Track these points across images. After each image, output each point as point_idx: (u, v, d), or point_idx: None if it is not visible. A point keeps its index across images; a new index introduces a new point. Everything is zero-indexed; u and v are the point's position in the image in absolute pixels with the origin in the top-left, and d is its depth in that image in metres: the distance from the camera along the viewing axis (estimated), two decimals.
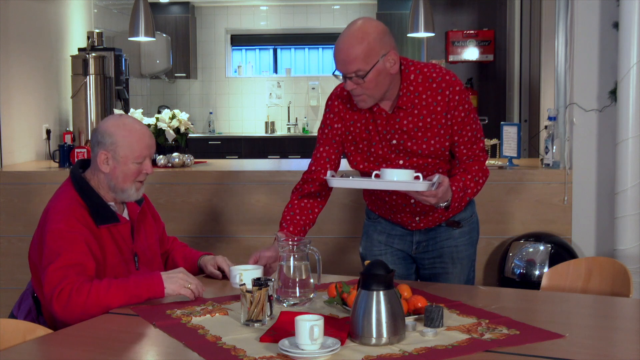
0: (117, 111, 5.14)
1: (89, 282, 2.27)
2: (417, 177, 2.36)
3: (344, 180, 2.47)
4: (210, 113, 9.24)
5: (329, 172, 2.46)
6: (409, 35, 5.79)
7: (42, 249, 2.38)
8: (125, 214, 2.55)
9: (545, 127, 4.46)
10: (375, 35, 2.41)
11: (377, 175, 2.41)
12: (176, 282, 2.31)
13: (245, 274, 2.40)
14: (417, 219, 2.70)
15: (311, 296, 2.32)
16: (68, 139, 5.00)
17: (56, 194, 2.49)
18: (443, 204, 2.46)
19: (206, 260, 2.65)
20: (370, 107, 2.55)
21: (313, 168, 2.73)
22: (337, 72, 2.48)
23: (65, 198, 2.43)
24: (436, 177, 2.38)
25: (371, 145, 2.60)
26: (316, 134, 2.79)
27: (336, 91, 2.68)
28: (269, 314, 2.14)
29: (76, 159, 4.66)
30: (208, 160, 5.18)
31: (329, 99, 2.69)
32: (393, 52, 2.45)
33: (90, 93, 5.52)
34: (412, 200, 2.62)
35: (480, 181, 2.60)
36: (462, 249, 2.76)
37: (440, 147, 2.56)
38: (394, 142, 2.56)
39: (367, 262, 2.05)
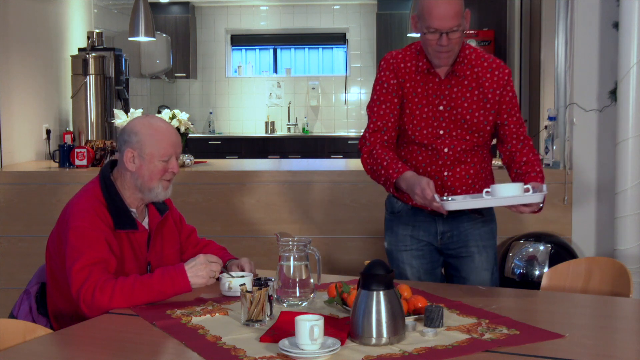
0: (117, 112, 5.13)
1: (112, 280, 2.28)
2: (526, 190, 2.42)
3: (460, 202, 2.51)
4: (210, 113, 9.24)
5: (437, 197, 2.42)
6: (409, 35, 5.80)
7: (62, 243, 2.39)
8: (145, 222, 2.56)
9: (545, 127, 4.46)
10: None
11: (487, 192, 2.45)
12: (203, 277, 2.33)
13: (234, 281, 2.39)
14: (445, 195, 2.69)
15: (311, 296, 2.32)
16: (68, 139, 5.00)
17: (82, 190, 2.50)
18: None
19: (232, 263, 2.62)
20: (427, 69, 2.66)
21: (379, 124, 2.70)
22: (427, 32, 2.56)
23: (90, 197, 2.44)
24: (544, 187, 2.46)
25: (416, 108, 2.67)
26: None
27: (391, 54, 2.75)
28: (269, 314, 2.14)
29: (76, 159, 4.67)
30: (208, 160, 5.18)
31: (383, 60, 2.75)
32: (467, 10, 2.61)
33: (90, 93, 5.53)
34: (445, 173, 2.69)
35: (541, 169, 2.67)
36: (485, 237, 2.82)
37: (484, 120, 2.67)
38: (441, 108, 2.66)
39: (366, 262, 2.04)
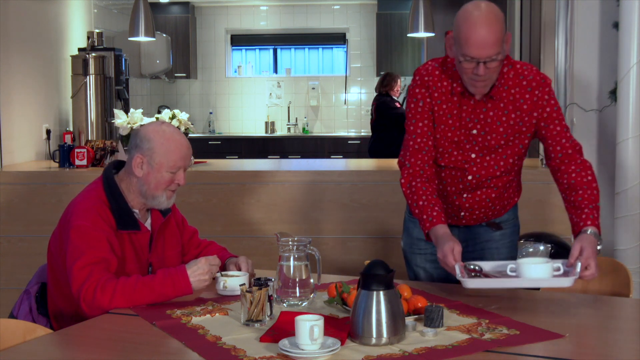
0: (117, 112, 5.13)
1: (113, 279, 2.28)
2: (557, 269, 2.28)
3: (481, 281, 2.33)
4: (210, 113, 9.25)
5: (458, 268, 2.28)
6: (409, 35, 5.79)
7: (63, 242, 2.39)
8: (147, 224, 2.55)
9: None
10: (502, 15, 2.37)
11: (512, 269, 2.29)
12: (205, 281, 2.35)
13: (229, 280, 2.39)
14: (462, 214, 2.65)
15: (311, 296, 2.32)
16: (68, 139, 5.00)
17: (84, 190, 2.50)
18: (599, 247, 2.36)
19: (230, 262, 2.63)
20: (462, 92, 2.49)
21: (420, 141, 2.55)
22: (464, 59, 2.35)
23: (92, 197, 2.44)
24: (578, 267, 2.27)
25: (449, 130, 2.53)
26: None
27: (426, 68, 2.56)
28: (269, 314, 2.14)
29: (76, 159, 4.67)
30: (208, 160, 5.18)
31: (418, 73, 2.57)
32: (508, 32, 2.42)
33: (90, 93, 5.53)
34: (465, 195, 2.59)
35: (590, 178, 2.53)
36: (503, 252, 2.71)
37: (519, 143, 2.53)
38: (474, 132, 2.51)
39: (366, 262, 2.04)
